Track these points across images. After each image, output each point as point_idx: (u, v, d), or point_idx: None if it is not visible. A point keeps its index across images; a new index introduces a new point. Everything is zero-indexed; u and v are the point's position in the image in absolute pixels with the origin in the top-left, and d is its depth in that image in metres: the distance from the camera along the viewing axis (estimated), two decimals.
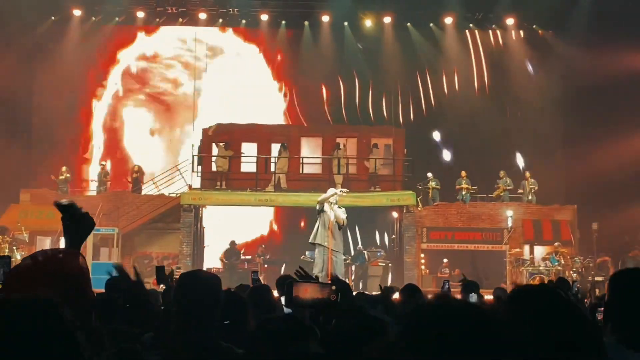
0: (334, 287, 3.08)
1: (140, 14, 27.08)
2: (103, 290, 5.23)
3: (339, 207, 18.18)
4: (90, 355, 1.62)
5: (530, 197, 24.55)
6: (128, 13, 27.05)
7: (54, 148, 26.31)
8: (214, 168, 24.75)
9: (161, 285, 5.48)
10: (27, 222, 21.86)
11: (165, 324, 3.18)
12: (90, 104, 29.37)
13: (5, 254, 17.34)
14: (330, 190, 18.56)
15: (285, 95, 30.84)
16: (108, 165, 27.06)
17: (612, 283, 2.85)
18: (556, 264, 21.54)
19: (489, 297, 8.99)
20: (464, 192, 24.60)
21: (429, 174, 24.87)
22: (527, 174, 24.90)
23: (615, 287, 2.81)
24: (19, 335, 1.51)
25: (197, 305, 3.02)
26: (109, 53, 29.33)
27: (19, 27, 24.63)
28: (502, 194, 24.75)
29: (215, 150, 25.03)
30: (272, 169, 24.43)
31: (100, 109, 29.70)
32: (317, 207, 18.21)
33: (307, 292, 3.08)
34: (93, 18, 26.90)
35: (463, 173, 24.90)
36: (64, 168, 24.92)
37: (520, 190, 24.74)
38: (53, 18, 27.00)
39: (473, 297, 7.75)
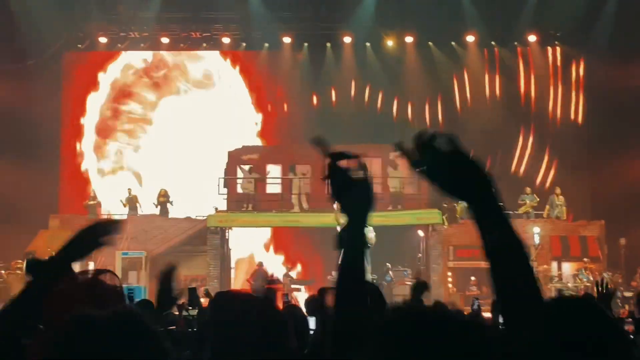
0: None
1: (165, 40, 27.41)
2: None
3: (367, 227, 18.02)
4: None
5: (559, 214, 24.35)
6: (153, 39, 27.39)
7: (84, 174, 26.62)
8: (239, 190, 24.90)
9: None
10: (57, 248, 22.03)
11: (201, 344, 3.24)
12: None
13: None
14: None
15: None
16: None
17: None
18: (585, 280, 21.39)
19: None
20: None
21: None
22: (558, 190, 24.71)
23: None
24: (113, 349, 1.54)
25: (233, 325, 3.07)
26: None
27: (46, 55, 25.05)
28: (529, 210, 24.62)
29: (239, 173, 25.20)
30: (295, 190, 24.50)
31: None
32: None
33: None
34: (119, 45, 27.27)
35: None
36: (93, 192, 25.22)
37: (547, 207, 24.54)
38: (80, 46, 27.44)
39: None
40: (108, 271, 2.45)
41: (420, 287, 7.41)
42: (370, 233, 18.01)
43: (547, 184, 26.73)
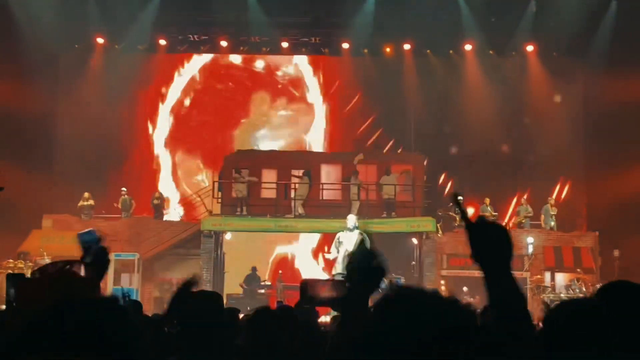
0: (347, 285, 3.09)
1: (163, 42, 27.37)
2: None
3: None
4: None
5: (552, 224, 24.39)
6: (151, 41, 27.34)
7: (78, 174, 26.48)
8: (234, 194, 24.87)
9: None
10: (49, 248, 21.98)
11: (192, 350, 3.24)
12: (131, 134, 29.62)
13: None
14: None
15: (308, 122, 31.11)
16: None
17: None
18: (578, 291, 21.36)
19: None
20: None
21: (460, 197, 24.72)
22: (552, 200, 24.73)
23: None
24: (89, 334, 1.50)
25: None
26: (149, 84, 29.81)
27: (42, 55, 24.96)
28: (523, 221, 24.63)
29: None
30: (292, 195, 24.51)
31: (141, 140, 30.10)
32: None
33: (322, 290, 3.12)
34: (116, 46, 27.20)
35: (487, 200, 24.81)
36: (86, 194, 25.11)
37: (542, 216, 24.58)
38: (76, 46, 27.37)
39: None
40: (81, 262, 2.39)
41: None
42: (367, 241, 17.82)
43: (563, 195, 26.52)
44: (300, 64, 30.66)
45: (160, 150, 30.51)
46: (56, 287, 2.20)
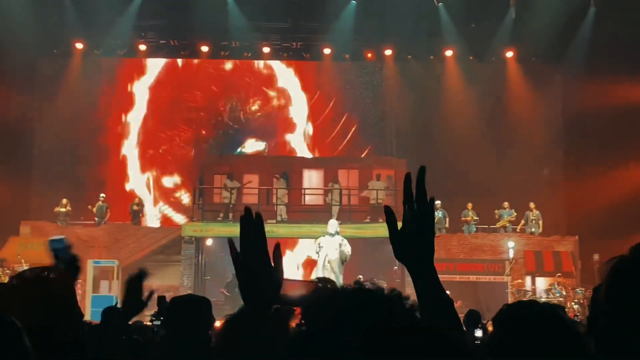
0: (319, 284, 3.09)
1: (142, 47, 27.23)
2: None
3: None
4: None
5: (533, 229, 24.50)
6: (130, 46, 27.18)
7: (56, 181, 26.29)
8: (215, 199, 24.77)
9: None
10: (27, 255, 21.77)
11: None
12: (104, 137, 29.46)
13: None
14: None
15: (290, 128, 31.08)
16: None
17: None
18: (558, 294, 21.47)
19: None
20: (471, 224, 24.57)
21: (438, 202, 24.82)
22: (532, 205, 24.83)
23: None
24: None
25: None
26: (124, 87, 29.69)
27: (20, 60, 24.74)
28: (507, 224, 24.73)
29: (216, 182, 25.09)
30: (275, 200, 24.45)
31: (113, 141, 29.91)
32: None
33: (292, 289, 3.08)
34: (95, 51, 27.02)
35: (469, 205, 24.88)
36: (64, 200, 24.92)
37: (522, 222, 24.69)
38: (55, 51, 27.16)
39: (478, 332, 7.70)
40: (58, 268, 2.36)
41: (473, 316, 7.42)
42: (346, 247, 17.86)
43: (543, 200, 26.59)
44: (280, 68, 30.61)
45: (133, 157, 30.31)
46: (34, 293, 2.18)
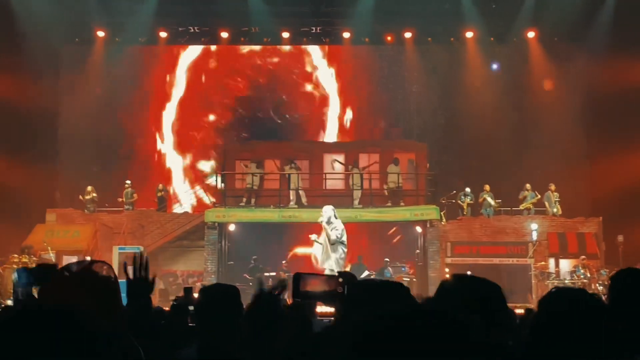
0: (340, 279, 3.12)
1: (163, 34, 27.33)
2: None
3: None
4: None
5: (555, 210, 24.41)
6: (151, 34, 27.29)
7: (82, 168, 26.56)
8: (237, 185, 24.89)
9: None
10: (54, 242, 22.05)
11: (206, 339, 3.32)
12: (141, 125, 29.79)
13: None
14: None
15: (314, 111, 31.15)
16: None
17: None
18: (582, 276, 21.38)
19: (519, 311, 8.90)
20: (491, 207, 24.52)
21: (467, 189, 24.83)
22: (552, 186, 24.71)
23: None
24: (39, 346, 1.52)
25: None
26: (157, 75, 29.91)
27: (43, 49, 24.94)
28: (530, 206, 24.64)
29: (238, 167, 25.21)
30: (288, 186, 24.46)
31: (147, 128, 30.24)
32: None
33: (314, 284, 3.13)
34: (117, 39, 27.15)
35: (487, 187, 24.84)
36: (89, 188, 25.18)
37: (546, 203, 24.59)
38: (77, 39, 27.35)
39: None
40: (103, 262, 2.43)
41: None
42: (332, 232, 18.27)
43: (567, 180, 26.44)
44: (317, 57, 30.75)
45: (166, 143, 30.62)
46: (82, 285, 2.24)
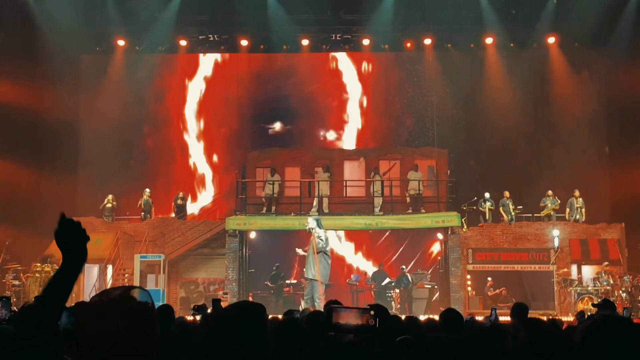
0: (372, 312, 3.13)
1: (183, 43, 27.44)
2: None
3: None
4: None
5: (578, 216, 24.21)
6: (171, 42, 27.41)
7: (102, 176, 26.71)
8: (258, 193, 24.96)
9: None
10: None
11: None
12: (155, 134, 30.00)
13: None
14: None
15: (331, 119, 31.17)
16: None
17: None
18: (605, 283, 21.19)
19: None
20: (512, 214, 24.36)
21: (487, 194, 24.73)
22: (577, 192, 24.50)
23: None
24: None
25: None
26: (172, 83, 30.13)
27: (64, 58, 25.15)
28: (551, 213, 24.46)
29: (258, 175, 25.30)
30: (317, 193, 24.48)
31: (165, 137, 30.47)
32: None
33: (347, 317, 3.14)
34: (137, 48, 27.30)
35: (507, 193, 24.70)
36: (109, 196, 25.31)
37: (567, 209, 24.40)
38: (97, 48, 27.54)
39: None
40: (140, 288, 2.38)
41: (522, 309, 7.09)
42: (315, 240, 18.93)
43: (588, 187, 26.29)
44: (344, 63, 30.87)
45: (188, 151, 30.81)
46: (120, 311, 2.22)
